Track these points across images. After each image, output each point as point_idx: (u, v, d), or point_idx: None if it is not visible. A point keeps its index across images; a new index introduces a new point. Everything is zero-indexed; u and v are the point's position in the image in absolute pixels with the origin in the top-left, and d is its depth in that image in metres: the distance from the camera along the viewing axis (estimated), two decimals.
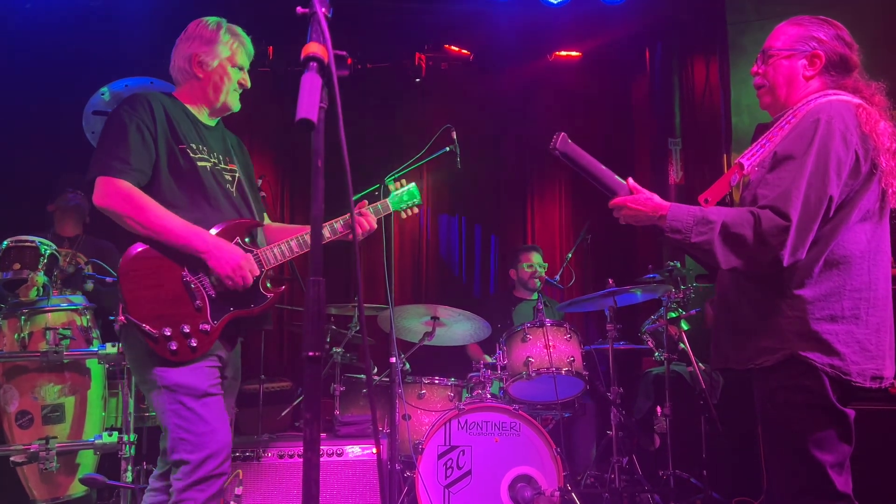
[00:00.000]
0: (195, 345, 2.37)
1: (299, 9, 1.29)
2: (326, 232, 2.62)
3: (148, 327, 2.32)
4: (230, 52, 2.60)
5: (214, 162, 2.58)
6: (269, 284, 2.54)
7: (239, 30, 2.67)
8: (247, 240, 2.53)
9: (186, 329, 2.36)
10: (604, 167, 2.28)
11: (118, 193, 2.36)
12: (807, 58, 2.24)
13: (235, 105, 2.68)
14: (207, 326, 2.39)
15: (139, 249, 2.40)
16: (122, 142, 2.40)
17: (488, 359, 4.63)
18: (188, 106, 2.62)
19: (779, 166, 2.10)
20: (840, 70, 2.24)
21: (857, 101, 2.15)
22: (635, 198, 2.22)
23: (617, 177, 2.29)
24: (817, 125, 2.08)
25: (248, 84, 2.67)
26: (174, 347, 2.34)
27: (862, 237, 2.11)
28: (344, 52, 1.23)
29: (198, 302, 2.40)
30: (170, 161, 2.47)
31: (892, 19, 5.01)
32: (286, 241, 2.54)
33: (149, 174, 2.43)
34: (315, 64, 1.20)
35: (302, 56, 1.22)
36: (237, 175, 2.67)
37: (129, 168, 2.38)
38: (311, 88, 1.17)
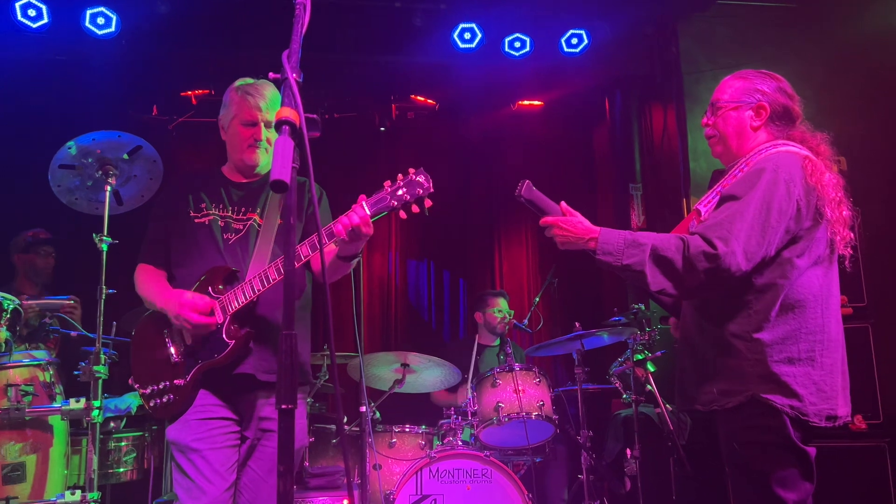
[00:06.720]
0: (167, 401, 2.47)
1: (271, 74, 1.35)
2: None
3: (137, 386, 2.52)
4: (235, 112, 2.65)
5: (220, 216, 2.64)
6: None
7: (259, 83, 2.67)
8: (220, 286, 2.49)
9: (165, 385, 2.48)
10: (556, 206, 2.34)
11: (136, 274, 2.67)
12: (753, 109, 2.37)
13: (253, 160, 2.67)
14: (181, 381, 2.47)
15: (142, 318, 2.63)
16: (148, 230, 2.73)
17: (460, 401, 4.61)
18: (224, 168, 2.78)
19: (721, 205, 2.22)
20: (784, 120, 2.37)
21: (804, 152, 2.27)
22: (566, 219, 2.28)
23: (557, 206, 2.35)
24: (763, 173, 2.19)
25: (262, 137, 2.64)
26: (152, 404, 2.50)
27: (815, 281, 2.20)
28: (315, 116, 1.28)
29: (174, 358, 2.51)
30: (177, 228, 2.66)
31: (837, 69, 5.28)
32: (250, 280, 2.44)
33: (165, 244, 2.67)
34: (287, 128, 1.26)
35: (275, 120, 1.28)
36: (251, 223, 2.62)
37: (145, 248, 2.70)
38: (284, 151, 1.23)
